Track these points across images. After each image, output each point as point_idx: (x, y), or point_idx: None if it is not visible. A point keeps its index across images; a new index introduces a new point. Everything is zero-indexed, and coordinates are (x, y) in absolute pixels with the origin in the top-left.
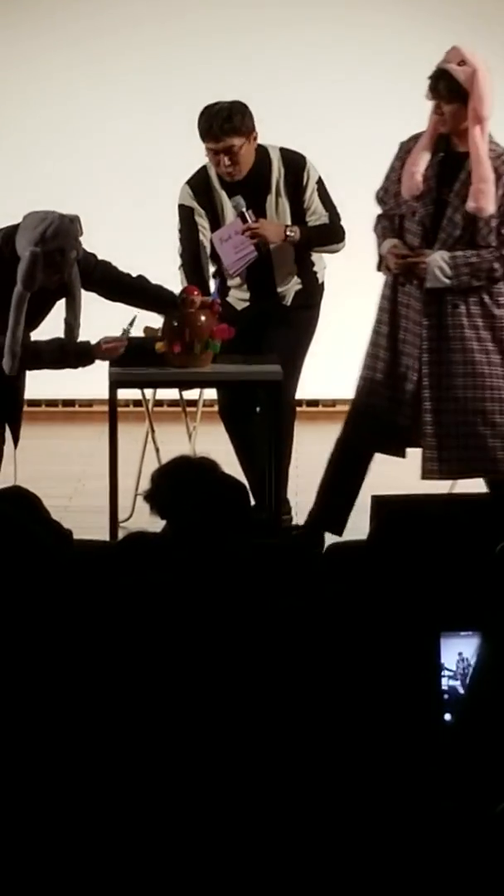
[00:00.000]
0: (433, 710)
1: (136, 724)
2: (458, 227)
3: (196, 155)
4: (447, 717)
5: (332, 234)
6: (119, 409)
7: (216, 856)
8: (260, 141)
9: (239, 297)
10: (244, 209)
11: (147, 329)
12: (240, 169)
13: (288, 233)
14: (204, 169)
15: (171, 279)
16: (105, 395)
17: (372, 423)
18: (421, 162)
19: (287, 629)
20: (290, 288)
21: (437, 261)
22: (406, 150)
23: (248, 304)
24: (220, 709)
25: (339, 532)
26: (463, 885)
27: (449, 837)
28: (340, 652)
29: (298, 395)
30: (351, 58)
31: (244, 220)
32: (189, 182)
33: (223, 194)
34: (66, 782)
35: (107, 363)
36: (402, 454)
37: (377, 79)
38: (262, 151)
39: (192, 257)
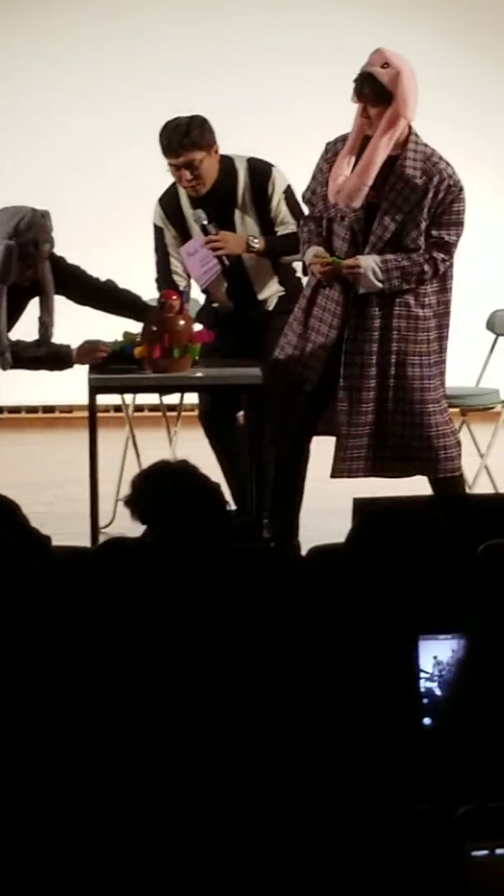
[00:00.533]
0: (411, 713)
1: (115, 730)
2: (388, 230)
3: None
4: (426, 721)
5: (298, 243)
6: (99, 414)
7: (190, 857)
8: (241, 152)
9: (223, 308)
10: (205, 222)
11: (126, 334)
12: (203, 182)
13: (251, 244)
14: (174, 186)
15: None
16: (85, 400)
17: (283, 427)
18: (347, 165)
19: (267, 633)
20: (273, 294)
21: (370, 265)
22: (333, 151)
23: (231, 311)
24: (200, 713)
25: (294, 535)
26: (420, 882)
27: (422, 838)
28: (320, 655)
29: None
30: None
31: (206, 234)
32: (160, 200)
33: (191, 210)
34: (44, 789)
35: (86, 368)
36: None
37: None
38: (227, 163)
39: (164, 276)
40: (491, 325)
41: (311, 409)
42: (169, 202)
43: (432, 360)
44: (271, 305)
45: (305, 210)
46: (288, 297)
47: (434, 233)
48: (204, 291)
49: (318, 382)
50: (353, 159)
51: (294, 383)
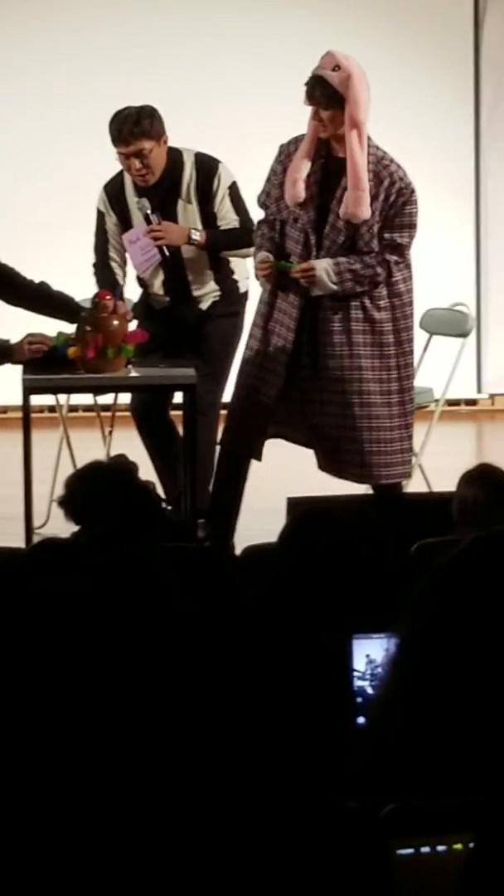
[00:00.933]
0: (345, 712)
1: (48, 730)
2: (342, 233)
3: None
4: (360, 720)
5: (239, 239)
6: (33, 414)
7: (120, 857)
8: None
9: (158, 301)
10: (149, 211)
11: (60, 334)
12: (152, 172)
13: (192, 236)
14: (121, 174)
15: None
16: (19, 401)
17: (245, 430)
18: (303, 168)
19: (201, 633)
20: (208, 295)
21: (324, 268)
22: (286, 153)
23: (166, 306)
24: (133, 712)
25: (230, 535)
26: (346, 882)
27: (350, 837)
28: (254, 654)
29: None
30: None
31: (148, 223)
32: (105, 186)
33: (136, 198)
34: None
35: (20, 369)
36: (259, 457)
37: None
38: (175, 155)
39: (101, 260)
40: (424, 325)
41: (273, 413)
42: (113, 189)
43: (393, 363)
44: (205, 304)
45: (253, 210)
46: (223, 300)
47: (387, 235)
48: (140, 284)
49: (280, 387)
50: (310, 162)
51: (257, 388)
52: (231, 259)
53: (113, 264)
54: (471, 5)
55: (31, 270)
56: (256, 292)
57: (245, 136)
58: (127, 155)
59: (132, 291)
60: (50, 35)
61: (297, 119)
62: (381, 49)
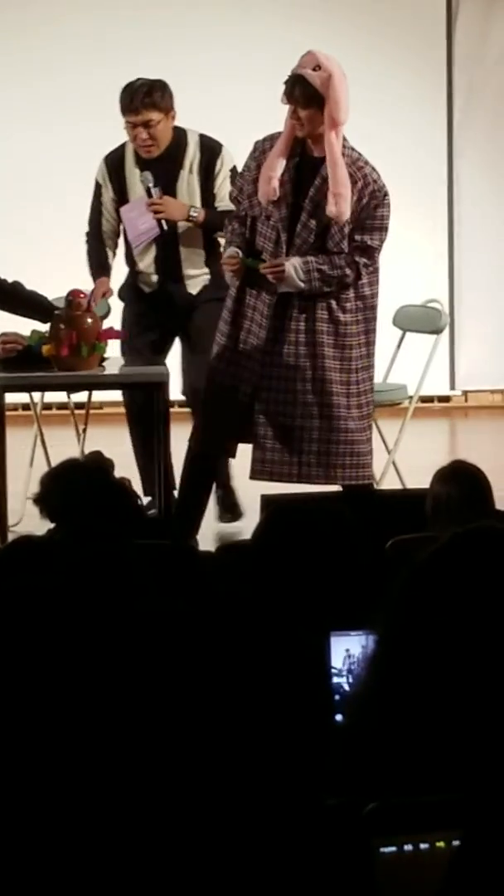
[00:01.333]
0: (322, 709)
1: (19, 729)
2: (313, 232)
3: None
4: (338, 717)
5: None
6: (7, 412)
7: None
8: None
9: (146, 282)
10: (150, 184)
11: (34, 332)
12: (157, 145)
13: (191, 213)
14: (122, 146)
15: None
16: None
17: (216, 429)
18: (278, 167)
19: (175, 631)
20: (198, 278)
21: (293, 265)
22: (261, 150)
23: (155, 288)
24: (106, 711)
25: (194, 534)
26: (329, 879)
27: (331, 834)
28: (229, 652)
29: None
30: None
31: (150, 196)
32: (105, 158)
33: (136, 171)
34: None
35: None
36: (234, 454)
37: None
38: (179, 133)
39: (93, 231)
40: (397, 322)
41: (246, 411)
42: (113, 161)
43: (354, 366)
44: (195, 289)
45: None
46: (213, 285)
47: (357, 237)
48: (128, 263)
49: (255, 384)
50: (285, 161)
51: (232, 387)
52: (222, 243)
53: (104, 236)
54: (443, 6)
55: (4, 270)
56: None
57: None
58: (134, 124)
59: (120, 270)
60: (39, 40)
61: (276, 119)
62: (355, 46)
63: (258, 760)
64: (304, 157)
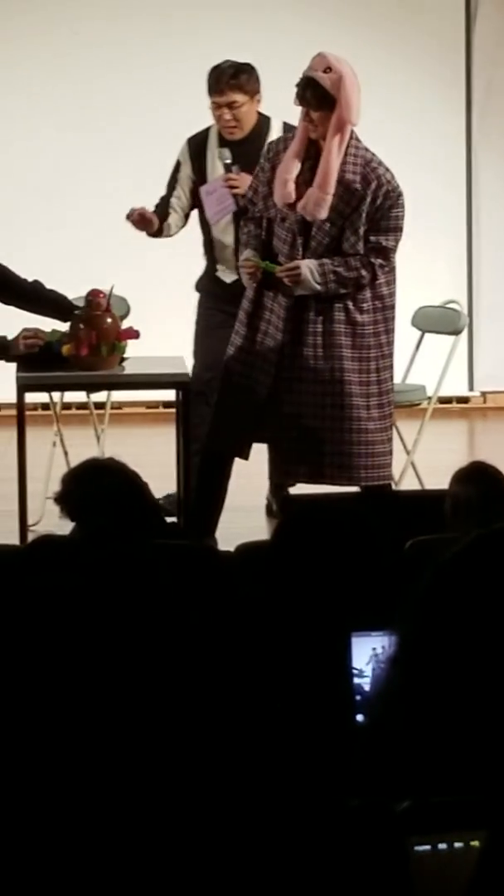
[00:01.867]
0: (344, 709)
1: (41, 729)
2: (328, 235)
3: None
4: (359, 717)
5: None
6: (27, 412)
7: (119, 856)
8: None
9: (225, 269)
10: (228, 161)
11: (54, 332)
12: (240, 127)
13: None
14: (207, 129)
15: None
16: (12, 398)
17: (229, 429)
18: (293, 169)
19: (197, 631)
20: None
21: (308, 267)
22: (275, 151)
23: (235, 276)
24: (128, 712)
25: (211, 534)
26: (364, 878)
27: (360, 834)
28: (250, 653)
29: None
30: None
31: (228, 171)
32: (189, 139)
33: (215, 148)
34: None
35: (13, 366)
36: (247, 456)
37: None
38: (264, 119)
39: (163, 204)
40: (416, 322)
41: (262, 413)
42: (196, 141)
43: (372, 366)
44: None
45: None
46: None
47: (372, 238)
48: (207, 251)
49: (270, 386)
50: (299, 163)
51: (247, 388)
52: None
53: (171, 211)
54: (462, 9)
55: (25, 269)
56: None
57: None
58: (219, 105)
59: (197, 264)
60: (48, 46)
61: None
62: (372, 46)
63: (279, 760)
64: (319, 158)
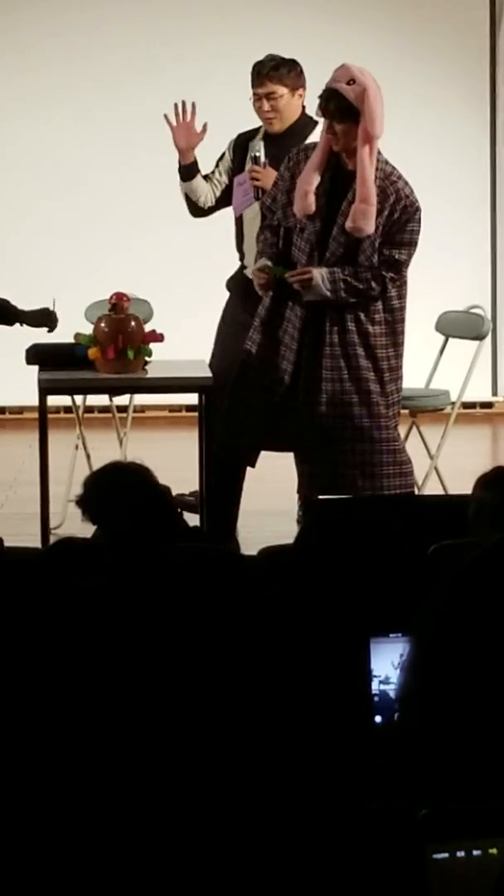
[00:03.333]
0: (363, 713)
1: (67, 729)
2: (343, 246)
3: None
4: (377, 719)
5: None
6: (50, 415)
7: (142, 857)
8: None
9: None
10: (258, 153)
11: (77, 335)
12: (280, 119)
13: None
14: (256, 129)
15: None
16: (35, 401)
17: (238, 435)
18: (313, 180)
19: (219, 634)
20: None
21: (320, 274)
22: (295, 161)
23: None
24: (152, 713)
25: (231, 539)
26: (382, 885)
27: (380, 838)
28: (272, 655)
29: None
30: None
31: (254, 163)
32: (239, 134)
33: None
34: None
35: (35, 369)
36: (254, 464)
37: None
38: (307, 118)
39: (203, 176)
40: (440, 327)
41: (273, 417)
42: (242, 136)
43: (384, 377)
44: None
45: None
46: None
47: (386, 251)
48: (237, 243)
49: (284, 393)
50: (320, 175)
51: (256, 394)
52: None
53: (208, 182)
54: (486, 6)
55: (43, 272)
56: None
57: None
58: (259, 95)
59: (230, 262)
60: (57, 39)
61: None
62: (396, 49)
63: (299, 763)
64: (339, 170)
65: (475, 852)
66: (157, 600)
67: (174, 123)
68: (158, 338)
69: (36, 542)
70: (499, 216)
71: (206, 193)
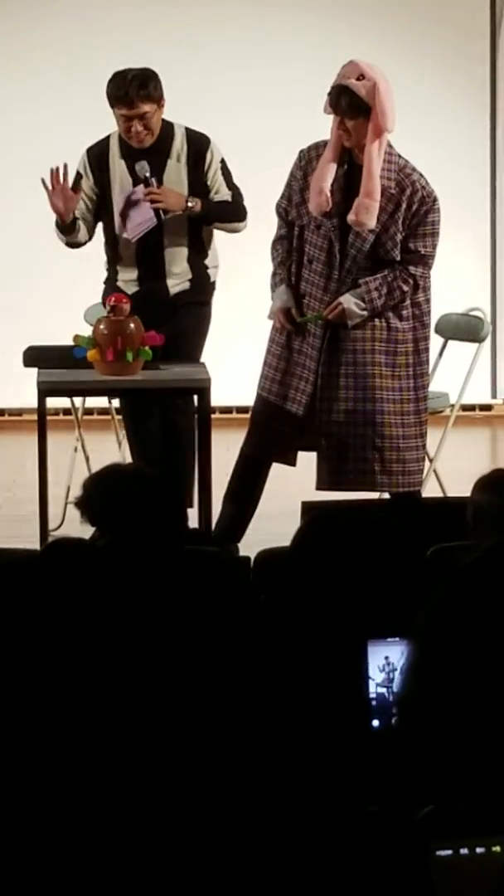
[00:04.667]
0: (360, 716)
1: (64, 732)
2: (366, 243)
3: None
4: (375, 723)
5: (233, 212)
6: (49, 417)
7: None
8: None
9: (127, 279)
10: (147, 174)
11: (76, 337)
12: (152, 134)
13: (188, 203)
14: (106, 138)
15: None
16: (34, 403)
17: (267, 435)
18: (327, 177)
19: (217, 637)
20: (180, 276)
21: (347, 301)
22: (307, 159)
23: (136, 287)
24: (149, 716)
25: (238, 540)
26: (386, 883)
27: (379, 840)
28: (268, 658)
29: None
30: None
31: (146, 185)
32: (88, 150)
33: (121, 162)
34: None
35: (35, 371)
36: (293, 463)
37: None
38: (166, 124)
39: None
40: (439, 330)
41: (300, 421)
42: (96, 152)
43: (411, 373)
44: (175, 289)
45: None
46: (193, 289)
47: (411, 245)
48: (108, 257)
49: (310, 392)
50: (334, 171)
51: (283, 394)
52: (206, 243)
53: (79, 223)
54: (487, 8)
55: (38, 275)
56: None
57: (254, 137)
58: (129, 117)
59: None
60: (54, 30)
61: (310, 122)
62: (394, 52)
63: (296, 766)
64: (353, 166)
65: (479, 850)
66: (154, 604)
67: (50, 188)
68: (157, 339)
69: (35, 544)
70: (498, 218)
71: (84, 232)
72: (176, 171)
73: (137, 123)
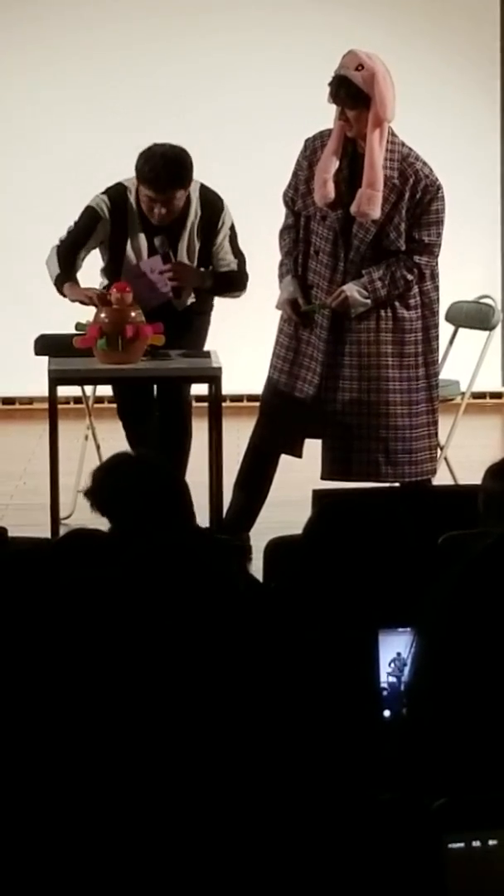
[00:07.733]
0: (372, 705)
1: (79, 721)
2: (370, 232)
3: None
4: (386, 712)
5: (237, 283)
6: (59, 406)
7: (150, 854)
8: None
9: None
10: (167, 250)
11: (79, 325)
12: (173, 214)
13: (206, 282)
14: (124, 188)
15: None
16: (45, 392)
17: (276, 425)
18: (331, 167)
19: (228, 624)
20: (184, 300)
21: (351, 289)
22: (312, 149)
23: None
24: (161, 704)
25: (248, 529)
26: (398, 875)
27: (393, 829)
28: (279, 647)
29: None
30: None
31: (165, 261)
32: (108, 193)
33: (140, 235)
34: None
35: (45, 360)
36: (300, 455)
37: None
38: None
39: (72, 247)
40: (450, 318)
41: (308, 411)
42: (117, 201)
43: (421, 361)
44: (180, 307)
45: (281, 214)
46: (196, 302)
47: (415, 235)
48: (108, 276)
49: (318, 384)
50: (338, 161)
51: (292, 385)
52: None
53: (78, 257)
54: (497, 14)
55: (39, 260)
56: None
57: (256, 129)
58: (158, 201)
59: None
60: (54, 24)
61: (313, 113)
62: (404, 38)
63: (307, 756)
64: (356, 156)
65: (491, 842)
66: (163, 593)
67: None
68: (157, 328)
69: (45, 533)
70: None
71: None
72: (188, 244)
73: (162, 207)
